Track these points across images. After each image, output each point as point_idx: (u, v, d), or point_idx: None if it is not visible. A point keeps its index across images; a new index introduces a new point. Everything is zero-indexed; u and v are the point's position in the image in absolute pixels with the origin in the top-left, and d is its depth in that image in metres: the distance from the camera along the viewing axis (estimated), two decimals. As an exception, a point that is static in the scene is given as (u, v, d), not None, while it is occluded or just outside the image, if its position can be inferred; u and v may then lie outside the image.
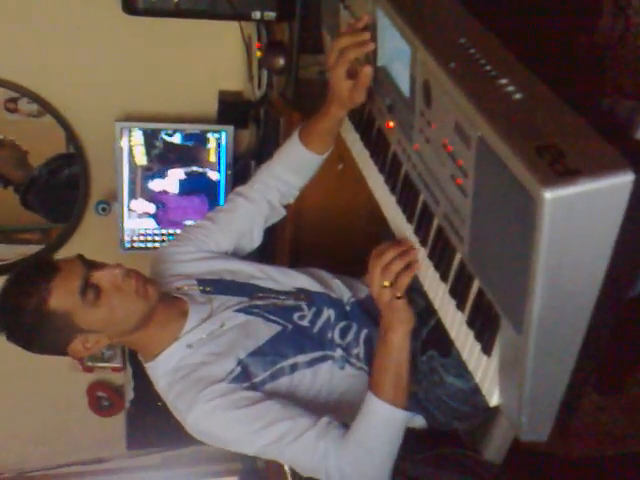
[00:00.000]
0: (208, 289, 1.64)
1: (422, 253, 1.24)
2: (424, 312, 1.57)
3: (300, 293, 1.69)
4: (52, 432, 3.23)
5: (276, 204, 1.73)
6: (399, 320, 1.41)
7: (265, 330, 1.58)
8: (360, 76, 1.34)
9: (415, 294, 1.60)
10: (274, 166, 1.70)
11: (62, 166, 2.82)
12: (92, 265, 1.47)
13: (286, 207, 1.77)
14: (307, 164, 1.67)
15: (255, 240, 1.77)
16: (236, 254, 1.76)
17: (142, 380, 1.62)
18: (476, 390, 1.11)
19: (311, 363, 1.58)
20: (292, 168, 1.68)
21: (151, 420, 2.78)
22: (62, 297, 1.41)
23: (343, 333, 1.65)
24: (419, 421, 1.64)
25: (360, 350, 1.63)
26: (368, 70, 1.31)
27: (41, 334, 1.44)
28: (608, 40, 1.42)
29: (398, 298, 1.36)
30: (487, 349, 1.03)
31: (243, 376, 1.50)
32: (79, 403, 3.20)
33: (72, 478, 3.33)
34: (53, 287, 1.41)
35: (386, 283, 1.34)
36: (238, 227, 1.73)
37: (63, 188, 2.81)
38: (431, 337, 1.54)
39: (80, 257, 1.49)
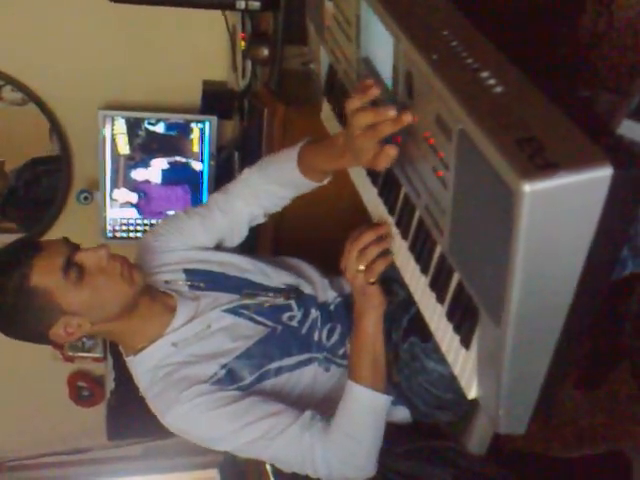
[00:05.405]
0: (197, 284, 1.62)
1: (403, 246, 1.24)
2: (404, 302, 1.57)
3: (290, 291, 1.68)
4: (32, 422, 3.22)
5: (259, 216, 1.67)
6: (372, 305, 1.42)
7: (253, 332, 1.57)
8: (381, 155, 1.15)
9: (396, 285, 1.61)
10: (266, 182, 1.60)
11: (39, 175, 2.81)
12: (76, 246, 1.45)
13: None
14: (304, 187, 1.57)
15: (235, 241, 1.72)
16: (219, 249, 1.74)
17: (123, 371, 1.61)
18: None
19: (296, 366, 1.57)
20: (287, 186, 1.59)
21: (132, 411, 2.75)
22: (44, 274, 1.38)
23: (329, 334, 1.65)
24: (401, 412, 1.64)
25: (346, 349, 1.63)
26: (393, 152, 1.14)
27: (22, 314, 1.40)
28: (591, 35, 1.42)
29: (372, 283, 1.38)
30: (466, 342, 1.04)
31: (228, 379, 1.49)
32: (59, 393, 3.20)
33: (52, 468, 3.32)
34: (35, 264, 1.38)
35: (361, 267, 1.35)
36: (216, 234, 1.69)
37: (42, 200, 2.80)
38: (412, 325, 1.55)
39: (65, 239, 1.47)
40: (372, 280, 1.38)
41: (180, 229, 1.66)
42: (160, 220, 1.85)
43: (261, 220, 1.69)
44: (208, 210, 1.66)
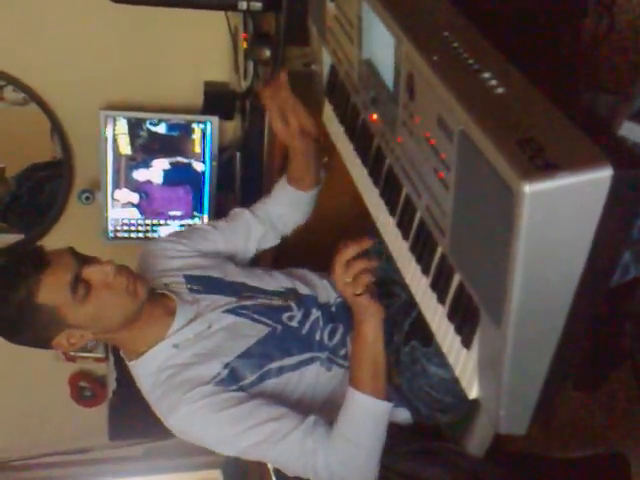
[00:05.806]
0: (196, 288, 1.63)
1: (404, 246, 1.24)
2: (406, 304, 1.57)
3: (289, 293, 1.68)
4: (34, 422, 3.22)
5: (278, 228, 1.81)
6: (369, 313, 1.43)
7: (253, 332, 1.58)
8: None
9: (397, 287, 1.61)
10: (275, 204, 1.80)
11: (42, 181, 2.81)
12: (83, 260, 1.44)
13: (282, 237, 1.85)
14: (301, 201, 1.77)
15: (250, 251, 1.81)
16: (229, 259, 1.77)
17: (125, 371, 1.61)
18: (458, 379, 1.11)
19: (298, 365, 1.58)
20: (290, 206, 1.78)
21: (134, 411, 2.74)
22: (52, 291, 1.38)
23: (331, 334, 1.65)
24: (403, 414, 1.65)
25: (348, 350, 1.63)
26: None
27: (26, 327, 1.41)
28: (592, 37, 1.42)
29: (359, 295, 1.40)
30: (467, 342, 1.04)
31: (230, 379, 1.49)
32: (61, 393, 3.19)
33: (54, 468, 3.32)
34: (43, 280, 1.37)
35: (348, 280, 1.37)
36: (238, 235, 1.77)
37: (45, 206, 2.80)
38: (413, 328, 1.55)
39: (71, 250, 1.46)
40: (359, 292, 1.39)
41: (193, 236, 1.73)
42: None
43: (277, 235, 1.84)
44: (234, 214, 1.82)
